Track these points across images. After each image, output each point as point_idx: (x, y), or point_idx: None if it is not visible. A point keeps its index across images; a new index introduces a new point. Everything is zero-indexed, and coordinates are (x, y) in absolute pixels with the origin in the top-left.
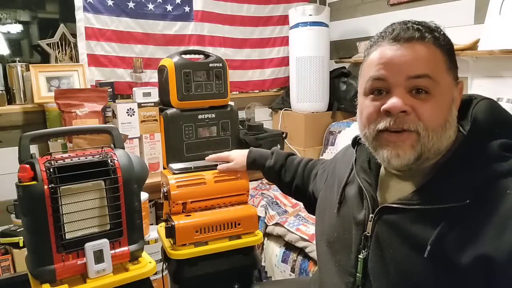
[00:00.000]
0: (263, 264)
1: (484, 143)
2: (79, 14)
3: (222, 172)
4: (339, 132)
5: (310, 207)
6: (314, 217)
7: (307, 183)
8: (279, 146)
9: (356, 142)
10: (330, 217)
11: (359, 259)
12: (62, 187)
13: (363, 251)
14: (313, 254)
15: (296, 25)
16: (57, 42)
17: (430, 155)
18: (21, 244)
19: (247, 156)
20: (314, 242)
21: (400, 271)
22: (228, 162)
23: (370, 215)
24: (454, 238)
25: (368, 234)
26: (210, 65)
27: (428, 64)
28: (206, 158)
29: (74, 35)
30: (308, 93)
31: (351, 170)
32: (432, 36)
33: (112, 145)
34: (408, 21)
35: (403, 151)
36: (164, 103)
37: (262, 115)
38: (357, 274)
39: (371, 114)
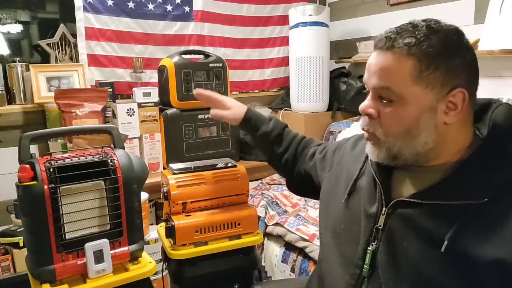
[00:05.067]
0: (263, 264)
1: (504, 146)
2: (79, 14)
3: (214, 117)
4: (339, 132)
5: (293, 185)
6: (314, 217)
7: (297, 160)
8: None
9: None
10: (337, 208)
11: (368, 251)
12: (62, 187)
13: (373, 243)
14: (313, 254)
15: (296, 25)
16: (57, 42)
17: (406, 156)
18: (21, 244)
19: (245, 112)
20: (314, 242)
21: (412, 264)
22: (223, 108)
23: (383, 209)
24: (471, 236)
25: (380, 227)
26: (210, 65)
27: (390, 76)
28: (196, 90)
29: (74, 35)
30: (308, 93)
31: (364, 163)
32: (405, 44)
33: (112, 145)
34: (394, 27)
35: (371, 149)
36: (164, 103)
37: None
38: (364, 265)
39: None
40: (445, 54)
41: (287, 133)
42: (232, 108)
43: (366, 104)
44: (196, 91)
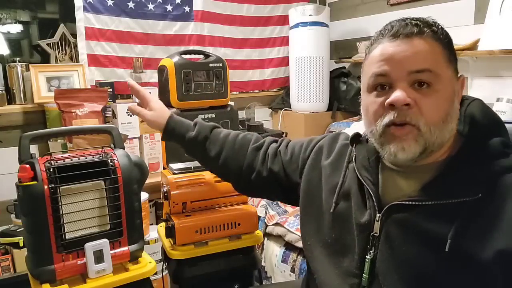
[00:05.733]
0: (263, 264)
1: (486, 140)
2: (79, 14)
3: (130, 111)
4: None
5: (240, 185)
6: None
7: (240, 159)
8: None
9: (354, 139)
10: (324, 217)
11: (366, 259)
12: (62, 187)
13: (371, 251)
14: None
15: (296, 25)
16: (57, 42)
17: (434, 148)
18: (21, 244)
19: (167, 120)
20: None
21: (414, 267)
22: (146, 106)
23: (377, 215)
24: (472, 233)
25: (376, 234)
26: (210, 65)
27: (429, 58)
28: (129, 81)
29: (74, 35)
30: (308, 93)
31: (346, 168)
32: (431, 31)
33: (112, 145)
34: (406, 18)
35: (407, 144)
36: (164, 103)
37: (262, 115)
38: (363, 275)
39: (377, 110)
40: (451, 43)
41: (216, 134)
42: (155, 110)
43: (399, 94)
44: (129, 82)
